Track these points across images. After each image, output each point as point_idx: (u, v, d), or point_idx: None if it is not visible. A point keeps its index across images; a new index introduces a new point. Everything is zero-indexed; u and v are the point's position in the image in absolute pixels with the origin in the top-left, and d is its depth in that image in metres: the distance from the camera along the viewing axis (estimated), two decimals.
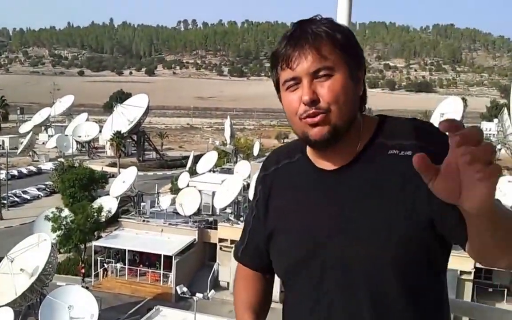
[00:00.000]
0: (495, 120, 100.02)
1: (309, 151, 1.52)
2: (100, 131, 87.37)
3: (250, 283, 1.73)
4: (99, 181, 52.74)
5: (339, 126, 1.38)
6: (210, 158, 57.01)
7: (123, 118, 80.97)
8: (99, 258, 38.51)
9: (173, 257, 36.43)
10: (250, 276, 1.74)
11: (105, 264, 38.49)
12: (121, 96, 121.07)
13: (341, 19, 2.13)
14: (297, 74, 1.37)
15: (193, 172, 55.45)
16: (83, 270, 37.97)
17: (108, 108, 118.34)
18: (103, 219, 40.22)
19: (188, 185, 44.64)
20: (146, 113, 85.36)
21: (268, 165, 1.66)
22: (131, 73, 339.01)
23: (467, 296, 31.09)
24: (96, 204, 41.22)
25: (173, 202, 42.72)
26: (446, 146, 1.04)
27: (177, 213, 40.74)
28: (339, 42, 1.37)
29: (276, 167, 1.62)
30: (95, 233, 39.73)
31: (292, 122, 1.43)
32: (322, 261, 1.43)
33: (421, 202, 1.33)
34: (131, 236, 39.05)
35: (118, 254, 39.04)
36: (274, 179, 1.61)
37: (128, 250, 37.88)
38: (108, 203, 42.06)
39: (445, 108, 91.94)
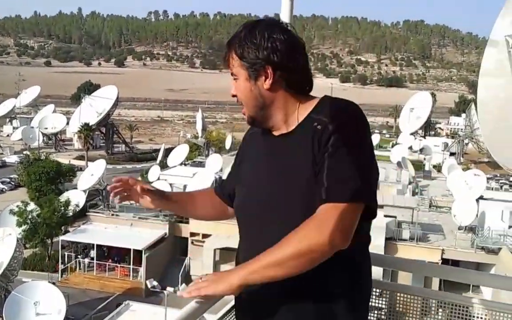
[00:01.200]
0: (463, 115, 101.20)
1: None
2: (68, 123, 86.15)
3: (204, 196, 2.25)
4: (66, 174, 52.00)
5: (252, 115, 1.86)
6: (181, 152, 56.57)
7: (92, 110, 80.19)
8: (66, 253, 37.91)
9: (143, 251, 36.07)
10: (210, 195, 2.24)
11: (79, 257, 37.90)
12: (90, 88, 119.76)
13: (284, 13, 2.67)
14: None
15: (163, 166, 55.02)
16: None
17: (76, 100, 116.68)
18: (71, 213, 39.60)
19: (158, 179, 44.26)
20: (115, 105, 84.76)
21: (250, 129, 2.04)
22: (100, 64, 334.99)
23: (435, 286, 31.26)
24: (63, 197, 40.59)
25: None
26: (335, 124, 1.71)
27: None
28: (238, 53, 1.79)
29: (252, 131, 2.02)
30: (62, 227, 39.06)
31: None
32: (250, 210, 1.87)
33: (309, 164, 1.74)
34: (99, 230, 38.56)
35: (86, 249, 38.48)
36: (249, 141, 2.03)
37: (97, 245, 37.38)
38: (76, 197, 41.45)
39: (415, 103, 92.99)
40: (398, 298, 2.46)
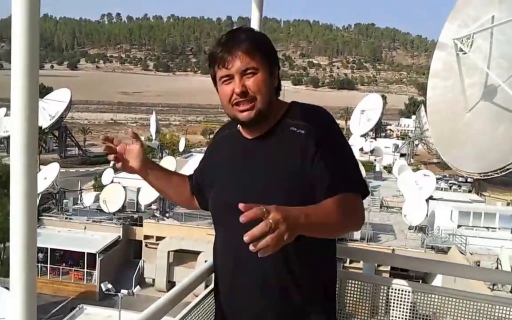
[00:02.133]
0: (413, 117, 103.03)
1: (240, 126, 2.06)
2: None
3: (182, 188, 2.32)
4: None
5: (262, 109, 1.92)
6: None
7: (44, 113, 78.71)
8: None
9: (97, 254, 35.75)
10: (182, 180, 2.34)
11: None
12: (42, 91, 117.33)
13: (254, 17, 2.75)
14: (231, 72, 1.89)
15: (117, 169, 54.31)
16: None
17: None
18: None
19: (112, 182, 43.85)
20: (68, 108, 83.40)
21: (220, 132, 2.23)
22: (52, 66, 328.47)
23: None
24: None
25: (96, 199, 41.89)
26: (322, 128, 1.93)
27: (101, 210, 39.98)
28: (261, 48, 1.93)
29: (223, 134, 2.19)
30: None
31: (226, 108, 1.96)
32: (231, 209, 1.78)
33: (305, 166, 1.88)
34: (53, 234, 38.01)
35: (40, 252, 37.92)
36: (220, 141, 2.20)
37: (50, 248, 36.87)
38: None
39: (366, 105, 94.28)
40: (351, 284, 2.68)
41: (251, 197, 1.77)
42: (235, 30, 1.99)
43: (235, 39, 1.92)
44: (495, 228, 35.36)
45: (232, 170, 2.04)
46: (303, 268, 1.95)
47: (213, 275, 2.19)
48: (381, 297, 2.62)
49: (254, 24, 2.74)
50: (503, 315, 2.41)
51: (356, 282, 2.65)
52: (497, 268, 28.17)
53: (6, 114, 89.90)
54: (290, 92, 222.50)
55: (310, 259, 1.96)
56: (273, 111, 1.98)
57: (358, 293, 2.65)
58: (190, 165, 35.09)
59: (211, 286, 2.26)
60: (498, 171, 48.19)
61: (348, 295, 2.65)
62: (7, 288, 30.18)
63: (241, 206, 1.49)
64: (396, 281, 2.61)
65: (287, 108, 2.03)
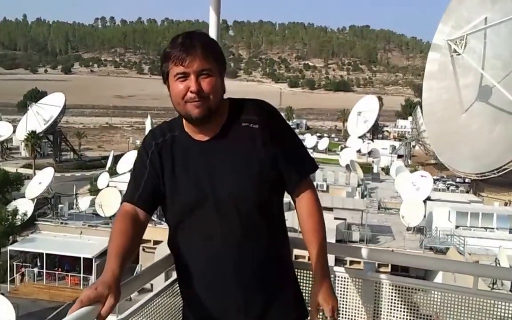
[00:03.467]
0: (410, 118, 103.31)
1: (187, 128, 2.15)
2: (14, 131, 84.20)
3: (134, 224, 2.10)
4: (13, 183, 50.79)
5: (213, 107, 2.05)
6: (130, 158, 55.85)
7: (39, 117, 78.72)
8: (15, 263, 37.09)
9: (94, 259, 35.56)
10: (134, 217, 2.12)
11: (28, 266, 37.10)
12: (36, 95, 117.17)
13: (212, 21, 2.96)
14: (187, 71, 2.01)
15: (113, 172, 54.33)
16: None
17: (22, 107, 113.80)
18: (19, 223, 38.72)
19: (108, 186, 43.68)
20: (62, 112, 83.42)
21: (156, 136, 2.20)
22: (46, 71, 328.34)
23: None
24: (10, 207, 39.67)
25: (92, 203, 41.71)
26: (271, 118, 2.17)
27: (97, 215, 39.79)
28: (215, 53, 2.07)
29: (163, 139, 2.18)
30: (10, 237, 38.16)
31: (178, 104, 2.07)
32: (206, 205, 2.08)
33: (261, 159, 2.10)
34: (48, 239, 37.83)
35: (36, 258, 37.74)
36: (163, 147, 2.16)
37: (46, 254, 36.68)
38: (23, 206, 40.52)
39: (362, 107, 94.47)
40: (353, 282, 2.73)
41: (223, 194, 2.07)
42: (192, 33, 2.10)
43: (193, 40, 2.05)
44: (493, 228, 35.38)
45: (197, 172, 2.11)
46: (272, 253, 2.20)
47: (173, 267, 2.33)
48: (382, 295, 2.65)
49: (212, 27, 2.93)
50: (504, 311, 2.47)
51: (358, 280, 2.71)
52: None
53: (0, 119, 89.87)
54: (287, 95, 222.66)
55: (275, 244, 2.22)
56: (221, 110, 2.12)
57: (360, 292, 2.70)
58: None
59: (172, 278, 2.43)
60: (495, 172, 48.27)
61: (350, 294, 2.71)
62: (3, 294, 30.05)
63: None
64: (397, 278, 2.67)
65: (229, 105, 2.17)
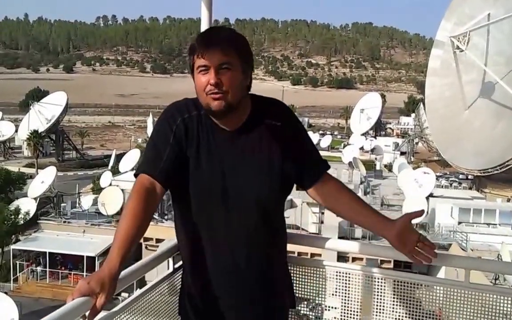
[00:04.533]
0: (413, 115, 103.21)
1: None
2: (16, 131, 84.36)
3: (150, 202, 2.06)
4: (16, 183, 50.89)
5: (232, 103, 2.07)
6: (133, 157, 55.95)
7: (41, 116, 78.84)
8: (18, 262, 37.15)
9: (97, 257, 35.60)
10: (152, 193, 2.08)
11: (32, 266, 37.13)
12: (38, 94, 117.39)
13: (204, 18, 2.96)
14: (207, 64, 2.04)
15: (115, 171, 54.39)
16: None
17: (24, 107, 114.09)
18: (21, 222, 38.79)
19: (110, 184, 43.72)
20: (65, 111, 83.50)
21: (182, 111, 2.18)
22: (48, 70, 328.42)
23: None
24: (13, 206, 39.73)
25: (95, 202, 41.76)
26: (291, 118, 2.25)
27: (100, 213, 39.85)
28: (238, 48, 2.09)
29: (189, 115, 2.17)
30: (13, 236, 38.23)
31: (200, 95, 2.09)
32: (226, 195, 2.12)
33: (283, 157, 2.17)
34: (51, 238, 37.91)
35: (39, 257, 37.82)
36: (189, 123, 2.15)
37: (49, 253, 36.74)
38: (26, 205, 40.60)
39: (365, 104, 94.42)
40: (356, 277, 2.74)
41: (245, 189, 2.13)
42: (218, 27, 2.23)
43: (216, 34, 2.13)
44: (496, 224, 35.39)
45: (221, 161, 2.14)
46: (277, 247, 2.32)
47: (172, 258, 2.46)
48: (385, 291, 2.66)
49: (204, 26, 2.93)
50: (507, 306, 2.48)
51: (361, 276, 2.72)
52: None
53: (2, 118, 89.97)
54: (289, 92, 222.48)
55: (279, 240, 2.33)
56: (243, 105, 2.15)
57: (362, 287, 2.70)
58: None
59: (177, 264, 2.49)
60: (498, 168, 48.21)
61: (353, 290, 2.71)
62: (6, 293, 30.11)
63: None
64: (400, 273, 2.67)
65: (252, 101, 2.22)
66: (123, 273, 1.97)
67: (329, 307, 2.80)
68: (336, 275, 2.70)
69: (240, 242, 2.16)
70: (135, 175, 2.14)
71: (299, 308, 2.74)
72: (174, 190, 2.19)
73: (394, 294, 2.64)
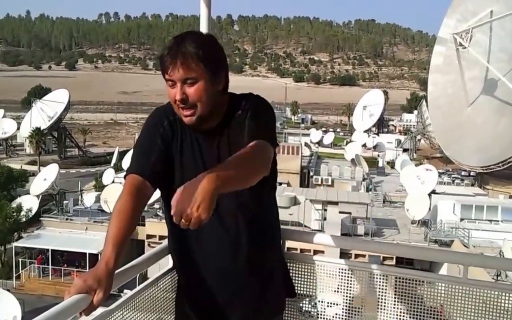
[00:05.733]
0: (415, 112, 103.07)
1: None
2: (18, 128, 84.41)
3: (140, 201, 2.07)
4: (18, 180, 50.94)
5: (203, 115, 2.08)
6: None
7: (43, 114, 78.89)
8: (20, 260, 37.21)
9: (99, 255, 35.60)
10: (142, 192, 2.08)
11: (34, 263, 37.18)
12: (40, 92, 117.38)
13: (203, 16, 2.95)
14: (173, 79, 2.04)
15: (118, 168, 54.43)
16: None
17: (26, 104, 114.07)
18: (24, 219, 38.83)
19: (113, 182, 43.78)
20: (67, 109, 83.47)
21: (167, 113, 2.20)
22: (50, 67, 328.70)
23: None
24: (15, 203, 39.78)
25: (97, 199, 41.79)
26: (252, 104, 2.19)
27: (102, 211, 39.87)
28: (203, 59, 2.02)
29: (174, 117, 2.18)
30: (15, 233, 38.29)
31: (174, 107, 2.11)
32: None
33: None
34: (54, 235, 37.96)
35: (42, 254, 37.87)
36: (174, 125, 2.18)
37: (52, 250, 36.79)
38: (28, 202, 40.63)
39: (368, 101, 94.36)
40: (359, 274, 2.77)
41: None
42: (182, 36, 2.09)
43: (179, 47, 2.04)
44: (498, 220, 35.35)
45: (203, 162, 2.15)
46: (266, 238, 2.30)
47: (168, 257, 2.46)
48: (387, 288, 2.67)
49: (203, 23, 2.94)
50: (508, 303, 2.49)
51: (363, 273, 2.74)
52: None
53: (4, 116, 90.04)
54: (292, 89, 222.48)
55: (268, 232, 2.32)
56: (219, 108, 2.16)
57: (365, 284, 2.73)
58: None
59: (168, 266, 2.51)
60: (500, 164, 48.17)
61: (355, 286, 2.72)
62: (8, 290, 30.16)
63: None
64: (402, 270, 2.67)
65: (228, 100, 2.21)
66: (122, 269, 2.02)
67: (331, 303, 2.80)
68: (339, 272, 2.71)
69: (227, 238, 2.17)
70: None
71: (301, 304, 2.76)
72: (162, 189, 2.20)
73: (395, 291, 2.65)
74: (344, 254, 22.63)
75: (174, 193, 1.90)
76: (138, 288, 2.35)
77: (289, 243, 2.79)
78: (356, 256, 25.34)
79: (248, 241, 2.20)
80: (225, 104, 2.19)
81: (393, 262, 32.32)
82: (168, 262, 2.54)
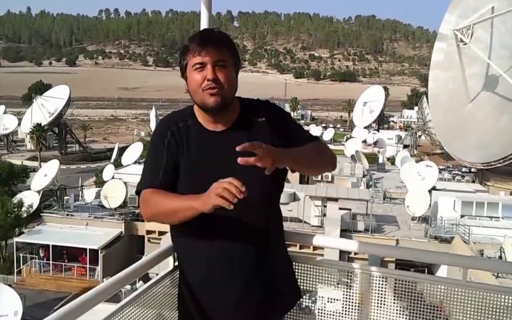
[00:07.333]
0: (416, 108, 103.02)
1: (200, 118, 2.29)
2: (19, 124, 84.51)
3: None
4: (19, 176, 50.97)
5: (227, 98, 2.21)
6: (135, 150, 56.00)
7: (44, 110, 78.94)
8: (21, 255, 37.27)
9: (100, 250, 35.71)
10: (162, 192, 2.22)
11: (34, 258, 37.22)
12: (41, 87, 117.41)
13: (203, 16, 3.01)
14: (204, 61, 2.16)
15: (118, 164, 54.43)
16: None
17: (27, 100, 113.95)
18: (25, 215, 38.87)
19: (113, 177, 43.78)
20: (67, 105, 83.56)
21: (170, 125, 2.30)
22: (50, 63, 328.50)
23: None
24: (16, 199, 39.82)
25: (98, 195, 41.80)
26: (274, 110, 2.38)
27: (102, 206, 39.89)
28: (230, 48, 2.25)
29: (177, 127, 2.28)
30: (16, 229, 38.32)
31: (195, 93, 2.21)
32: None
33: (279, 144, 2.17)
34: (54, 231, 37.96)
35: (42, 249, 37.89)
36: (178, 135, 2.26)
37: (52, 245, 36.83)
38: (29, 198, 40.65)
39: (368, 97, 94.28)
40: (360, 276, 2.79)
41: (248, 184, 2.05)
42: (209, 29, 2.40)
43: (210, 34, 2.27)
44: (498, 217, 35.32)
45: (214, 163, 2.21)
46: (273, 238, 2.38)
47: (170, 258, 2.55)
48: (386, 287, 2.70)
49: (203, 19, 3.01)
50: (509, 303, 2.51)
51: (363, 273, 2.77)
52: (500, 257, 28.23)
53: (5, 112, 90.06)
54: (292, 86, 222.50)
55: (275, 232, 2.41)
56: (233, 106, 2.30)
57: (365, 284, 2.75)
58: None
59: (170, 267, 2.58)
60: (501, 161, 48.14)
61: (355, 286, 2.76)
62: (10, 285, 30.21)
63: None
64: (402, 272, 2.72)
65: (240, 103, 2.34)
66: (126, 270, 2.29)
67: (331, 299, 2.84)
68: (338, 273, 2.77)
69: (236, 236, 2.23)
70: (137, 193, 2.28)
71: (301, 300, 2.76)
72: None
73: (395, 290, 2.68)
74: (343, 252, 22.63)
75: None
76: (144, 286, 2.45)
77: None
78: (356, 253, 25.32)
79: (256, 240, 2.26)
80: (238, 107, 2.33)
81: (394, 258, 32.43)
82: (168, 262, 2.60)
